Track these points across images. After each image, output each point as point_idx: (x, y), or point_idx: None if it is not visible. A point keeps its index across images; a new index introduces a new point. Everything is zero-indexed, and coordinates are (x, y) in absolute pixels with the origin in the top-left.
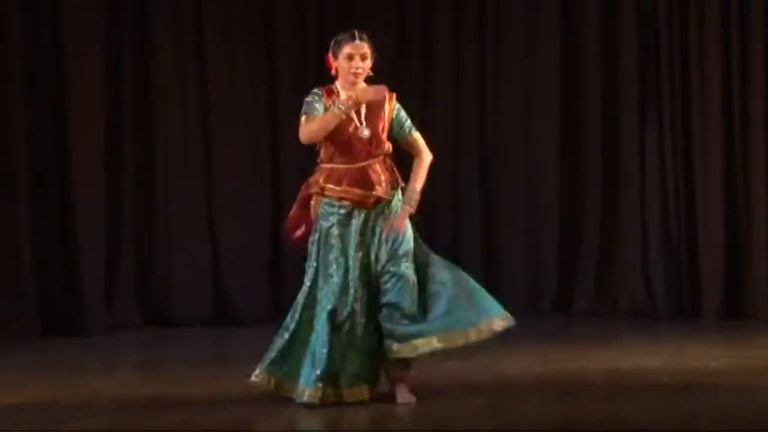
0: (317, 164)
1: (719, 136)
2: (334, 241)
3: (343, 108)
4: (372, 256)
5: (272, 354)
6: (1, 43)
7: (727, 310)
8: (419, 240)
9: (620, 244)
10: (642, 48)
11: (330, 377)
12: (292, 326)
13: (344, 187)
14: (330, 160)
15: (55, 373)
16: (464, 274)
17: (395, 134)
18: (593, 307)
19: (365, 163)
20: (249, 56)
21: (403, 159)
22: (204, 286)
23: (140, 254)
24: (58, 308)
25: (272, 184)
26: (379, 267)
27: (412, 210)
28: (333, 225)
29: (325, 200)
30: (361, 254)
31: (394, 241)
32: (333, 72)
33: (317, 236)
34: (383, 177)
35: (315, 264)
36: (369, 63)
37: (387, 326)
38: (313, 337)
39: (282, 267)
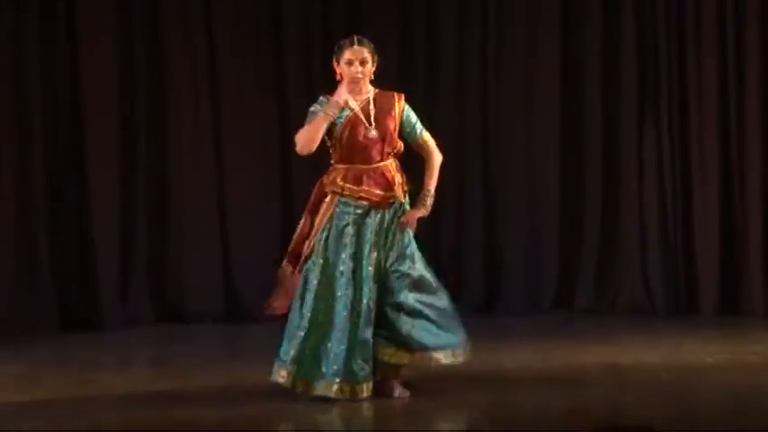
0: (329, 164)
1: (716, 136)
2: (348, 240)
3: (329, 112)
4: (383, 255)
5: (292, 352)
6: (18, 46)
7: (724, 307)
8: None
9: (619, 243)
10: (641, 50)
11: (346, 373)
12: (305, 323)
13: (364, 187)
14: (344, 161)
15: (71, 367)
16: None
17: (405, 136)
18: (593, 304)
19: (381, 164)
20: (258, 56)
21: (409, 161)
22: (216, 284)
23: (154, 253)
24: (75, 305)
25: (282, 184)
26: (388, 266)
27: (426, 211)
28: (348, 224)
29: (342, 199)
30: (375, 253)
31: (403, 241)
32: (338, 77)
33: (325, 234)
34: (397, 178)
35: (320, 260)
36: (370, 67)
37: (405, 331)
38: (331, 334)
39: None
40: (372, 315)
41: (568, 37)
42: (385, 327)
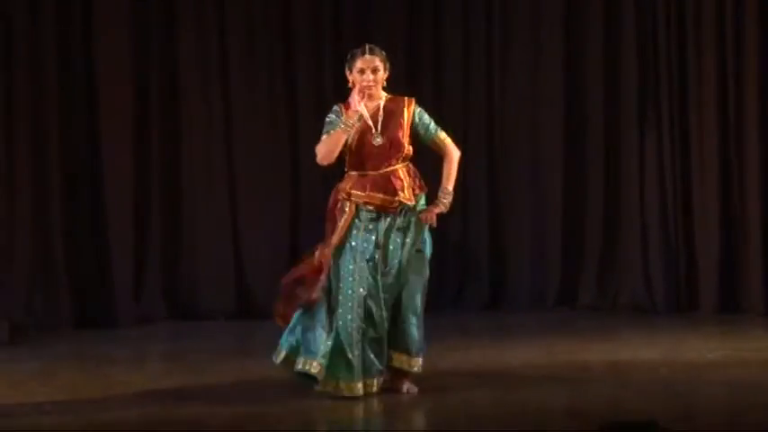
0: (344, 172)
1: (716, 136)
2: (362, 244)
3: (350, 123)
4: (393, 257)
5: (321, 347)
6: (34, 48)
7: (724, 305)
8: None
9: (620, 242)
10: (642, 51)
11: (365, 371)
12: (326, 325)
13: (368, 192)
14: (355, 168)
15: (86, 363)
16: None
17: (421, 138)
18: (596, 302)
19: (389, 169)
20: (269, 60)
21: (425, 163)
22: (228, 282)
23: (167, 251)
24: (90, 303)
25: (292, 184)
26: (399, 269)
27: (444, 208)
28: (362, 229)
29: (357, 206)
30: (386, 258)
31: (415, 243)
32: (351, 85)
33: (346, 240)
34: (406, 183)
35: (341, 264)
36: (382, 75)
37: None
38: (351, 336)
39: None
40: (384, 314)
41: (570, 39)
42: (396, 330)
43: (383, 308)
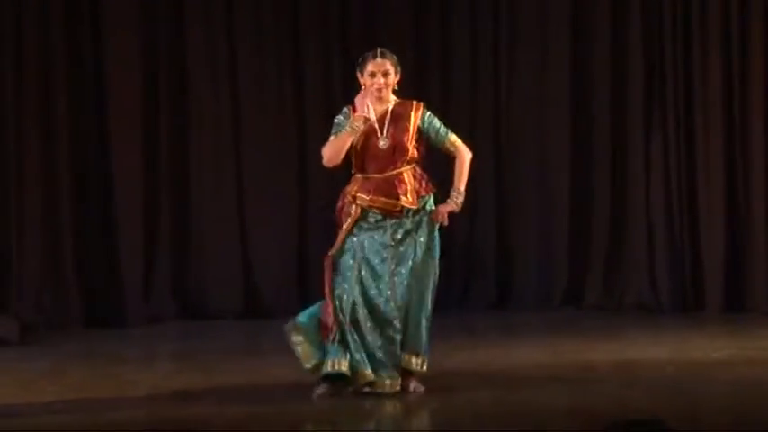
0: (351, 174)
1: (721, 136)
2: (370, 245)
3: (355, 126)
4: (409, 262)
5: (351, 344)
6: (44, 48)
7: (729, 305)
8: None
9: (626, 242)
10: (647, 52)
11: (377, 370)
12: (343, 324)
13: (372, 196)
14: (360, 170)
15: (96, 362)
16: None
17: (432, 142)
18: (602, 302)
19: (394, 173)
20: (278, 60)
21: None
22: (236, 282)
23: (176, 251)
24: (99, 303)
25: (300, 184)
26: (413, 268)
27: (457, 207)
28: (367, 230)
29: (362, 208)
30: (394, 258)
31: (427, 243)
32: (362, 87)
33: (351, 241)
34: (410, 187)
35: (351, 263)
36: (392, 78)
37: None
38: (366, 335)
39: (309, 263)
40: (392, 314)
41: (577, 40)
42: (407, 331)
43: (387, 307)
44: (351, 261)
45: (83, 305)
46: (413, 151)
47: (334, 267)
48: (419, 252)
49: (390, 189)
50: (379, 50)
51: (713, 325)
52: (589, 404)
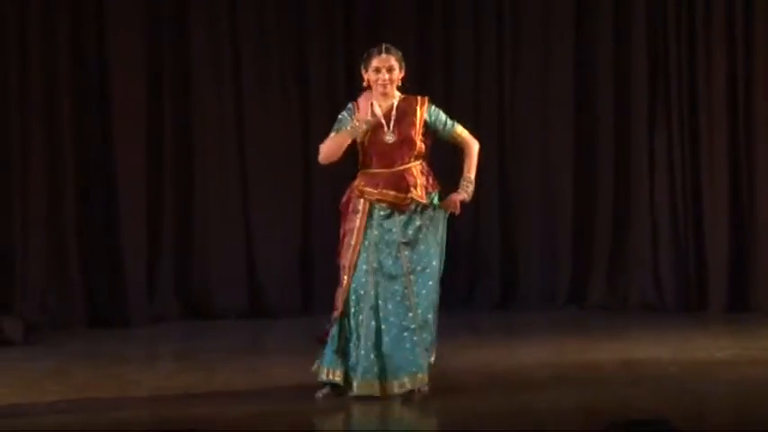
0: (358, 170)
1: (725, 136)
2: (376, 242)
3: (357, 126)
4: (409, 256)
5: (345, 356)
6: (48, 52)
7: (733, 304)
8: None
9: (630, 242)
10: (652, 52)
11: (380, 372)
12: (345, 325)
13: (380, 190)
14: (368, 165)
15: (99, 362)
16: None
17: (440, 135)
18: (606, 301)
19: (402, 167)
20: (281, 60)
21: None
22: (239, 281)
23: (179, 251)
24: (103, 302)
25: (304, 184)
26: (413, 265)
27: (468, 196)
28: (375, 226)
29: (370, 203)
30: (401, 254)
31: (439, 237)
32: (366, 84)
33: (363, 239)
34: (419, 182)
35: (362, 265)
36: (397, 74)
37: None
38: (369, 335)
39: (313, 263)
40: (397, 313)
41: (581, 40)
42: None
43: (393, 306)
44: (364, 266)
45: (87, 305)
46: (420, 145)
47: (353, 267)
48: (440, 246)
49: (399, 182)
50: (383, 46)
51: (717, 324)
52: (593, 403)
